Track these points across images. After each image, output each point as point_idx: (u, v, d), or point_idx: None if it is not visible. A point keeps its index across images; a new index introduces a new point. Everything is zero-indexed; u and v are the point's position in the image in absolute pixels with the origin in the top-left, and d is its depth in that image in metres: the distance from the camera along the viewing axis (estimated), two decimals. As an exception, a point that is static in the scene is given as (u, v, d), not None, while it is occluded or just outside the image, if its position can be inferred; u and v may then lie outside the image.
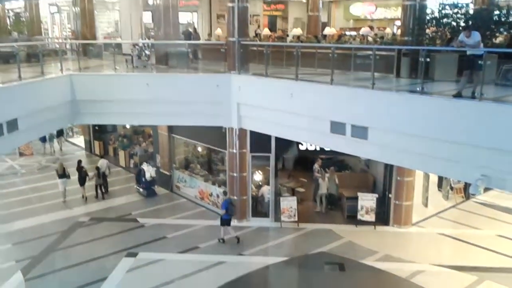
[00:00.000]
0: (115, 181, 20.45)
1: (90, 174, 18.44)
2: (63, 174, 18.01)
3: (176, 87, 14.97)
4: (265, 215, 16.18)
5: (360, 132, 11.23)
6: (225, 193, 15.57)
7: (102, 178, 18.60)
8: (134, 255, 13.72)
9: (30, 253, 13.80)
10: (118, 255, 13.63)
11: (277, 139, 15.31)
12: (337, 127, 11.73)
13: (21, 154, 23.17)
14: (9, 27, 28.50)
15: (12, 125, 12.10)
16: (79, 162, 18.75)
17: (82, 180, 18.22)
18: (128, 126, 26.01)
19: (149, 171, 18.55)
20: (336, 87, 11.88)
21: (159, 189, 19.13)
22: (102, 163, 19.34)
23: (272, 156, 15.65)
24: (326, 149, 15.33)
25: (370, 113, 10.99)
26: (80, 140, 27.08)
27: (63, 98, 14.67)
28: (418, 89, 10.31)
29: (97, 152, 24.68)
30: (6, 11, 31.82)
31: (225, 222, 14.57)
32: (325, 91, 12.14)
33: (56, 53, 17.73)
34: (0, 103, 10.48)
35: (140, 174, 18.74)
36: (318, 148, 15.49)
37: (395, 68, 13.14)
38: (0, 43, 19.47)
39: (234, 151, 15.61)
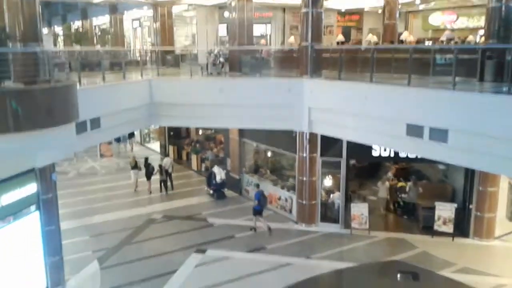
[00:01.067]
0: (186, 183, 21.09)
1: (155, 170, 19.92)
2: (135, 166, 20.32)
3: (248, 91, 15.19)
4: (335, 221, 15.78)
5: (439, 135, 10.63)
6: (257, 185, 16.77)
7: (166, 175, 19.82)
8: (203, 251, 13.94)
9: (106, 245, 14.48)
10: (187, 251, 13.91)
11: (348, 143, 14.97)
12: (413, 130, 11.20)
13: (102, 156, 24.60)
14: (95, 41, 30.59)
15: (95, 123, 12.88)
16: (146, 159, 20.69)
17: (148, 175, 19.76)
18: (200, 132, 26.82)
19: (219, 174, 18.89)
20: (413, 88, 11.43)
21: (228, 192, 19.38)
22: (166, 161, 20.52)
23: (343, 161, 15.29)
24: (401, 155, 14.77)
25: (451, 115, 10.35)
26: (156, 145, 28.24)
27: (142, 101, 15.41)
28: (504, 89, 9.62)
29: (171, 157, 25.60)
30: (94, 27, 34.17)
31: (257, 212, 15.52)
32: (402, 93, 11.69)
33: (137, 63, 18.75)
34: (85, 103, 11.14)
35: (211, 176, 19.12)
36: (392, 154, 14.87)
37: (479, 72, 12.34)
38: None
39: (304, 155, 15.46)
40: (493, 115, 9.47)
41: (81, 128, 12.12)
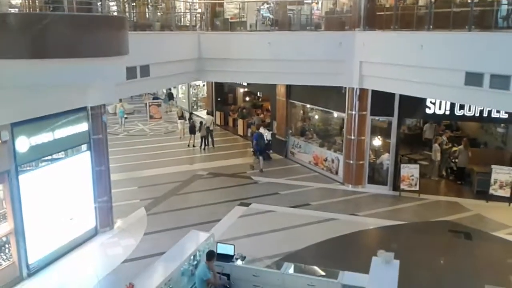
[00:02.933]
0: (232, 146, 21.16)
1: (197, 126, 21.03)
2: (181, 116, 23.06)
3: (297, 45, 14.86)
4: (383, 183, 15.28)
5: (501, 82, 9.91)
6: (257, 127, 18.53)
7: (206, 132, 20.68)
8: (247, 204, 13.92)
9: (153, 195, 14.76)
10: (231, 204, 13.93)
11: (401, 101, 14.37)
12: (472, 79, 10.53)
13: (151, 117, 25.07)
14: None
15: (145, 70, 13.00)
16: (190, 114, 22.76)
17: (192, 129, 21.03)
18: (247, 99, 26.75)
19: (265, 135, 18.74)
20: (473, 33, 10.77)
21: (273, 155, 19.23)
22: (208, 118, 21.47)
23: (394, 119, 14.69)
24: (457, 113, 14.02)
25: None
26: (203, 113, 28.47)
27: (190, 54, 15.44)
28: None
29: (217, 122, 25.80)
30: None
31: (258, 152, 17.29)
32: (460, 39, 11.03)
33: (187, 27, 18.74)
34: (136, 48, 11.22)
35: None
36: (447, 112, 14.10)
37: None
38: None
39: (353, 112, 15.00)
40: None
41: (131, 74, 12.29)
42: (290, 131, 19.13)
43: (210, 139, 20.92)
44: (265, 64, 15.26)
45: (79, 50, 8.18)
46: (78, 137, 10.88)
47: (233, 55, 15.39)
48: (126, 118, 25.03)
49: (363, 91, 14.62)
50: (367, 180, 15.45)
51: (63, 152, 10.70)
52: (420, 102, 14.09)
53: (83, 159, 11.19)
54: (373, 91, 14.56)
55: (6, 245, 9.51)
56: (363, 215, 13.16)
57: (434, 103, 14.13)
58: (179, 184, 15.83)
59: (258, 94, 27.24)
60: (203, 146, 20.63)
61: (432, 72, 11.65)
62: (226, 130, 24.80)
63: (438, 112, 14.20)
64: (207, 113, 23.75)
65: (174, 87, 32.59)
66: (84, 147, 11.21)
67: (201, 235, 8.62)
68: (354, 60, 14.23)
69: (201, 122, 21.12)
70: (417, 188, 14.50)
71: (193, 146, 20.80)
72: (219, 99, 26.46)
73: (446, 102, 13.97)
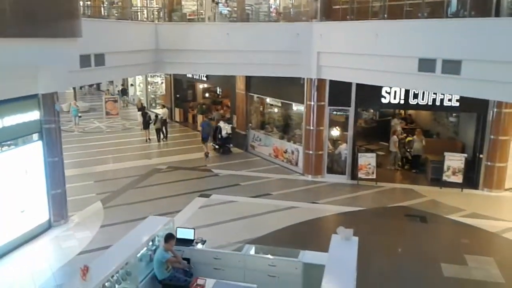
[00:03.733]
0: (191, 142, 20.89)
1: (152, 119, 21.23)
2: (141, 108, 23.48)
3: (256, 36, 14.89)
4: (341, 172, 15.51)
5: (452, 67, 10.33)
6: (217, 121, 19.46)
7: (161, 124, 20.87)
8: (207, 196, 13.76)
9: (110, 189, 14.34)
10: (191, 195, 13.74)
11: (357, 91, 14.64)
12: (426, 65, 10.90)
13: (107, 114, 24.42)
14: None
15: (100, 59, 12.63)
16: (143, 108, 23.22)
17: (145, 124, 21.10)
18: (207, 95, 26.58)
19: (225, 128, 18.65)
20: (427, 20, 11.15)
21: (234, 149, 19.15)
22: (163, 111, 21.87)
23: (351, 110, 14.95)
24: (411, 102, 14.42)
25: (465, 45, 10.05)
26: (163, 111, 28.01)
27: (148, 45, 15.15)
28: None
29: (177, 119, 25.49)
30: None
31: (204, 139, 18.38)
32: (413, 27, 11.41)
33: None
34: (91, 36, 10.89)
35: (216, 131, 18.88)
36: (402, 101, 14.47)
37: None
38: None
39: (312, 103, 15.15)
40: (507, 39, 9.15)
41: (85, 62, 11.94)
42: (250, 124, 19.12)
43: (165, 132, 21.13)
44: (223, 55, 15.20)
45: (30, 30, 7.84)
46: (28, 126, 10.41)
47: (191, 46, 15.24)
48: (80, 116, 24.18)
49: (321, 81, 14.80)
50: (326, 170, 15.63)
51: (12, 141, 10.21)
52: (376, 92, 14.41)
53: (34, 149, 10.71)
54: (331, 82, 14.77)
55: (-50, 239, 8.97)
56: (323, 203, 13.29)
57: (389, 93, 14.48)
58: (137, 178, 15.47)
59: (218, 91, 27.13)
60: (158, 139, 20.86)
61: (387, 60, 11.97)
62: (186, 126, 24.53)
63: (393, 101, 14.57)
64: (163, 106, 24.05)
65: (132, 85, 31.99)
66: (35, 136, 10.73)
67: (159, 220, 8.41)
68: (311, 50, 14.39)
69: (156, 115, 21.40)
70: (374, 176, 14.80)
71: (149, 139, 20.82)
72: (178, 95, 26.15)
73: (400, 92, 14.35)
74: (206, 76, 22.06)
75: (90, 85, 38.42)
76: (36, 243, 10.50)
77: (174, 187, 14.59)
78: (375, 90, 14.27)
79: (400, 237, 11.16)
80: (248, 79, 18.49)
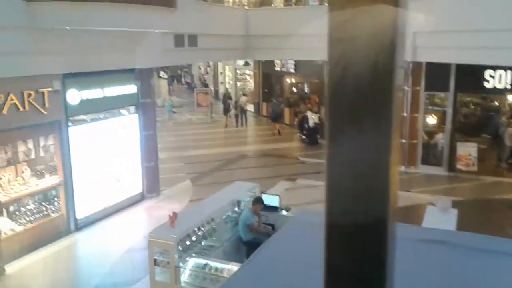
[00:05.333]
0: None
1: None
2: (224, 96, 24.92)
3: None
4: (437, 164, 14.47)
5: None
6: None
7: (240, 111, 22.09)
8: (292, 180, 13.57)
9: (199, 170, 14.72)
10: (276, 179, 13.63)
11: (457, 75, 13.59)
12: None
13: (198, 105, 25.25)
14: None
15: (192, 40, 13.05)
16: (224, 95, 24.19)
17: (225, 110, 22.77)
18: (295, 90, 26.46)
19: (312, 118, 18.36)
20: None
21: (322, 141, 18.77)
22: (242, 99, 23.01)
23: (450, 94, 13.92)
24: (520, 87, 13.07)
25: None
26: (250, 107, 28.44)
27: (238, 31, 15.41)
28: None
29: (264, 113, 25.67)
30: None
31: (273, 119, 20.48)
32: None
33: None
34: (185, 17, 11.27)
35: (303, 121, 18.66)
36: (508, 86, 13.18)
37: None
38: None
39: (406, 88, 14.34)
40: None
41: (179, 41, 12.38)
42: (339, 115, 18.61)
43: (244, 119, 22.25)
44: (317, 39, 14.93)
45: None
46: (126, 98, 10.99)
47: (282, 31, 15.18)
48: (174, 112, 25.30)
49: (416, 64, 13.96)
50: (420, 161, 14.68)
51: (112, 111, 10.84)
52: (478, 76, 13.26)
53: (131, 121, 11.28)
54: (427, 65, 13.88)
55: (56, 198, 9.68)
56: (415, 192, 12.47)
57: (493, 76, 13.25)
58: (224, 162, 15.74)
59: (305, 88, 26.86)
60: (236, 125, 22.07)
61: (495, 35, 10.94)
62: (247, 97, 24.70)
63: (497, 85, 13.29)
64: (243, 95, 24.94)
65: (222, 83, 32.85)
66: (132, 109, 11.31)
67: (245, 185, 8.36)
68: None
69: (236, 102, 22.95)
70: (475, 168, 13.60)
71: (226, 125, 22.22)
72: (266, 90, 26.32)
73: (506, 75, 13.06)
74: (295, 69, 21.94)
75: (186, 83, 40.20)
76: (129, 211, 11.01)
77: (260, 171, 14.60)
78: (477, 73, 13.13)
79: (502, 230, 10.06)
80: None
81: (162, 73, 42.93)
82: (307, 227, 4.77)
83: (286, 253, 3.53)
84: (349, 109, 0.98)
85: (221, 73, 33.15)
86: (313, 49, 15.19)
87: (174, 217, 6.19)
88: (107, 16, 8.28)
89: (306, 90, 26.45)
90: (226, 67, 32.22)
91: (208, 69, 37.86)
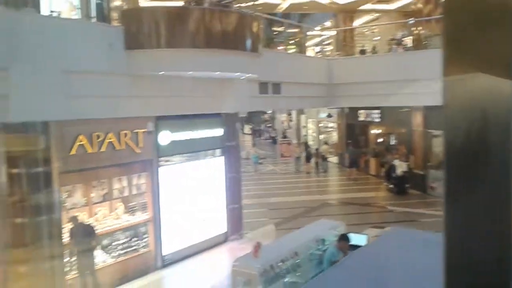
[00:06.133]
0: (364, 183, 20.27)
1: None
2: (305, 145, 26.90)
3: (433, 62, 14.07)
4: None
5: None
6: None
7: (321, 159, 23.64)
8: (381, 227, 12.88)
9: (282, 215, 14.61)
10: (363, 226, 13.03)
11: None
12: None
13: (282, 156, 25.51)
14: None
15: (276, 88, 13.41)
16: (306, 144, 26.01)
17: (308, 157, 24.37)
18: (380, 140, 25.84)
19: (400, 167, 17.63)
20: None
21: (411, 192, 17.87)
22: (323, 147, 24.94)
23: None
24: None
25: None
26: (334, 158, 28.18)
27: (320, 79, 15.60)
28: None
29: (346, 164, 25.22)
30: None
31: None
32: None
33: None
34: (269, 66, 11.72)
35: (390, 170, 17.99)
36: None
37: None
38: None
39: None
40: None
41: (263, 89, 12.78)
42: (429, 163, 17.71)
43: (325, 166, 23.54)
44: (402, 84, 14.69)
45: (225, 44, 8.82)
46: (213, 141, 11.40)
47: (364, 78, 15.13)
48: (260, 163, 25.67)
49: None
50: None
51: (199, 153, 11.27)
52: None
53: (217, 163, 11.61)
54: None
55: (145, 235, 10.04)
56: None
57: None
58: (308, 209, 15.50)
59: (391, 139, 26.12)
60: (315, 171, 23.30)
61: None
62: (357, 170, 24.02)
63: None
64: (325, 143, 26.48)
65: (305, 135, 33.03)
66: (218, 151, 11.67)
67: (330, 223, 8.10)
68: None
69: (316, 149, 24.13)
70: None
71: (308, 172, 23.14)
72: (349, 141, 25.97)
73: None
74: (380, 118, 21.55)
75: (271, 138, 41.04)
76: (213, 251, 11.07)
77: (345, 218, 14.09)
78: None
79: None
80: (426, 114, 17.42)
81: (246, 129, 44.34)
82: (400, 240, 4.48)
83: (375, 260, 3.33)
84: (467, 167, 0.99)
85: (304, 127, 33.47)
86: (398, 95, 15.09)
87: (257, 246, 6.11)
88: (199, 60, 8.83)
89: (393, 140, 25.75)
90: (310, 120, 32.52)
91: (291, 123, 38.50)
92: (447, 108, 1.01)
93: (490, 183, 0.99)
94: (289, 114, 38.25)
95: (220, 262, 10.43)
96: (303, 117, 33.01)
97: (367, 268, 2.73)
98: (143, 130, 9.57)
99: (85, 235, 8.62)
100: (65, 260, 8.11)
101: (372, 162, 22.58)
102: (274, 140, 40.83)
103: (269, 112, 38.45)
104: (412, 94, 14.88)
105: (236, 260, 6.45)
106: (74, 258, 8.61)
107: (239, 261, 6.27)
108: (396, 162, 17.91)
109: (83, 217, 8.98)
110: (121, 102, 9.04)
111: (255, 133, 42.49)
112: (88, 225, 8.87)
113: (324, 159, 23.54)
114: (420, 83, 14.26)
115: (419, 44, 16.21)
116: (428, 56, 14.53)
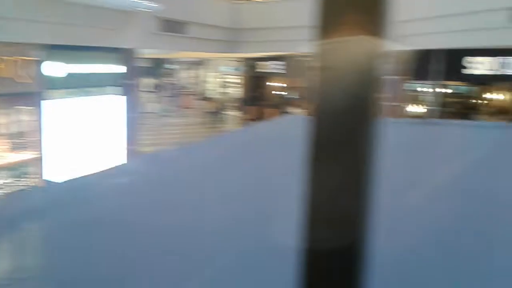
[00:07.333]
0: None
1: None
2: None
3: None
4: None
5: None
6: None
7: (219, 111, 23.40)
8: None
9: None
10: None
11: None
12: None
13: (183, 107, 25.02)
14: None
15: (180, 27, 12.91)
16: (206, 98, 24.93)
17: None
18: (284, 92, 26.22)
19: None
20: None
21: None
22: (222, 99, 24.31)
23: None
24: None
25: None
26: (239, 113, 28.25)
27: (226, 22, 15.34)
28: None
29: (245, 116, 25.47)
30: None
31: None
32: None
33: None
34: (176, 3, 11.14)
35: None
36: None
37: None
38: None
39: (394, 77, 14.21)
40: None
41: (166, 26, 12.27)
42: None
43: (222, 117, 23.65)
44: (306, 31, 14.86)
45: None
46: (110, 78, 10.76)
47: (270, 24, 15.06)
48: (165, 116, 24.93)
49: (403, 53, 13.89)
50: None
51: (95, 90, 10.57)
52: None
53: (115, 102, 11.00)
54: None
55: (31, 174, 9.28)
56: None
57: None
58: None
59: (294, 93, 26.58)
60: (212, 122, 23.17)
61: None
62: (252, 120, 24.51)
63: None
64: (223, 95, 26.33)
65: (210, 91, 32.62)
66: (117, 89, 11.05)
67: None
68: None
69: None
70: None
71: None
72: (254, 94, 26.00)
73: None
74: (285, 69, 21.95)
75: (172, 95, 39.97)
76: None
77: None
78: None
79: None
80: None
81: (150, 83, 42.67)
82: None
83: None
84: (329, 136, 0.99)
85: (205, 81, 33.06)
86: (301, 41, 15.30)
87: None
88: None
89: (295, 93, 26.19)
90: (212, 74, 32.25)
91: (194, 78, 37.85)
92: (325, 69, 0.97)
93: (359, 137, 1.00)
94: (191, 69, 37.54)
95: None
96: (204, 71, 32.74)
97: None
98: (29, 58, 8.67)
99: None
100: None
101: (268, 112, 22.84)
102: (176, 95, 40.01)
103: (172, 66, 37.22)
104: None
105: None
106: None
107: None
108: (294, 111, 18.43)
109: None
110: (5, 25, 8.09)
111: (158, 87, 41.24)
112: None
113: (221, 110, 23.92)
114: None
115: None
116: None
